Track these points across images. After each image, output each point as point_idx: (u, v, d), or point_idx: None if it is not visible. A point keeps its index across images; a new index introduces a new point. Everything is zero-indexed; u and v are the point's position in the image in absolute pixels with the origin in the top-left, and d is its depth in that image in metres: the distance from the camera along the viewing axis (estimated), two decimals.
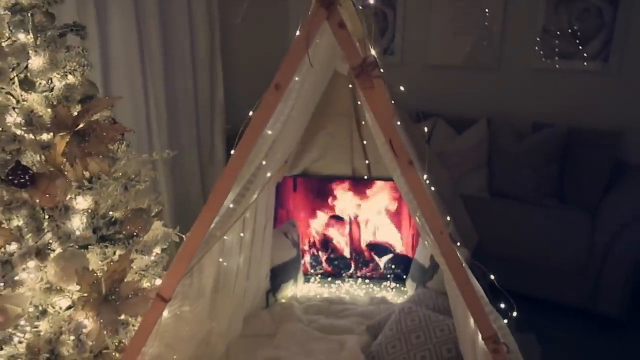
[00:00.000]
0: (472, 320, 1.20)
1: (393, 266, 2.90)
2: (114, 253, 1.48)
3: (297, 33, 1.03)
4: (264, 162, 1.56)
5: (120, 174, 1.56)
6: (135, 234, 1.47)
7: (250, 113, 1.11)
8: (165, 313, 1.42)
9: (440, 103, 3.81)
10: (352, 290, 2.83)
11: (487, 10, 3.60)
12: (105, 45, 2.76)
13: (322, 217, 3.10)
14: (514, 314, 1.34)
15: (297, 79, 1.31)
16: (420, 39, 3.89)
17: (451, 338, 1.95)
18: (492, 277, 1.37)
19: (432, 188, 1.84)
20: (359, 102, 2.34)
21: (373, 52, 1.01)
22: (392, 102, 2.25)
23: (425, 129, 3.50)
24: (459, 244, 2.53)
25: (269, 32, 3.97)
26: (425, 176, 1.25)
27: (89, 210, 1.41)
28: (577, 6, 3.30)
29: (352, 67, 1.02)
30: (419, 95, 3.91)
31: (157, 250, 1.62)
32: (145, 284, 1.56)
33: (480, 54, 3.68)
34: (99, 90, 2.66)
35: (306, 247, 3.06)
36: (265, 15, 3.98)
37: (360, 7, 1.89)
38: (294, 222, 2.90)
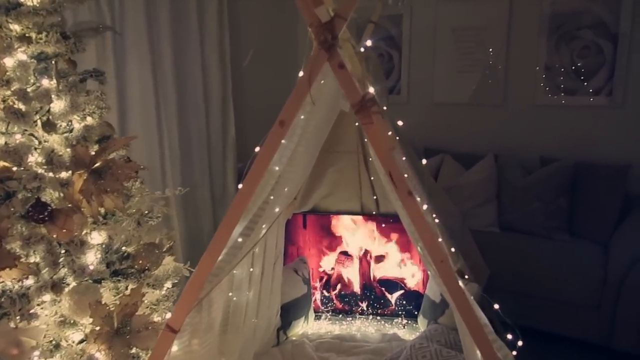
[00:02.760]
0: (478, 351, 1.21)
1: (404, 302, 2.89)
2: (127, 287, 1.52)
3: (301, 74, 1.11)
4: (271, 197, 1.61)
5: (134, 210, 1.62)
6: (147, 268, 1.52)
7: (257, 149, 1.17)
8: (175, 347, 1.44)
9: (447, 140, 3.86)
10: (363, 327, 2.81)
11: (490, 50, 3.70)
12: (122, 89, 2.90)
13: (332, 253, 3.11)
14: (519, 343, 1.34)
15: (302, 117, 1.37)
16: (425, 78, 4.00)
17: None
18: (496, 306, 1.38)
19: (437, 220, 1.87)
20: (365, 139, 2.41)
21: (372, 89, 1.08)
22: (397, 137, 2.31)
23: (424, 161, 3.55)
24: (466, 276, 2.53)
25: (279, 73, 4.12)
26: (425, 207, 1.28)
27: (103, 245, 1.46)
28: (577, 44, 3.39)
29: (352, 104, 1.09)
30: (426, 133, 3.98)
31: (168, 284, 1.65)
32: (156, 317, 1.59)
33: (484, 91, 3.76)
34: (116, 130, 2.80)
35: (317, 284, 3.06)
36: (276, 57, 4.13)
37: (362, 49, 1.98)
38: (305, 258, 2.92)
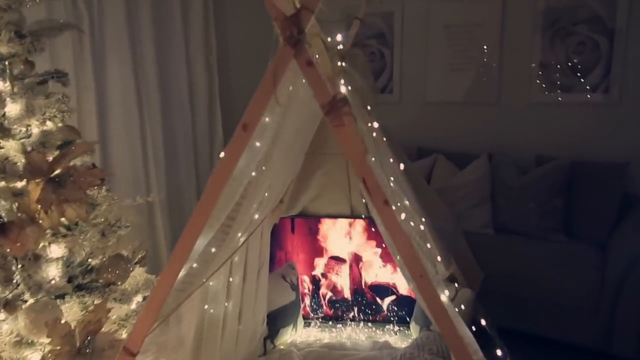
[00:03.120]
0: None
1: (396, 308, 2.79)
2: (93, 302, 1.43)
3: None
4: (243, 204, 1.51)
5: (102, 219, 1.52)
6: (112, 282, 1.42)
7: (222, 154, 1.08)
8: None
9: (440, 139, 3.78)
10: (354, 334, 2.73)
11: (485, 47, 3.61)
12: (102, 90, 2.80)
13: (321, 258, 3.02)
14: None
15: (267, 119, 1.28)
16: (418, 76, 3.91)
17: None
18: (482, 322, 1.29)
19: (424, 224, 1.78)
20: None
21: (343, 88, 0.99)
22: (384, 138, 2.22)
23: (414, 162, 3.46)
24: (457, 285, 2.44)
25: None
26: (404, 216, 1.18)
27: (64, 259, 1.37)
28: (573, 40, 3.30)
29: (322, 105, 0.99)
30: (418, 133, 3.89)
31: (139, 298, 1.56)
32: (125, 334, 1.49)
33: (478, 89, 3.67)
34: (96, 133, 2.70)
35: (306, 290, 2.97)
36: (264, 55, 4.03)
37: (342, 47, 1.89)
38: (293, 264, 2.83)
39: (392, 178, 1.84)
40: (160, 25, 3.04)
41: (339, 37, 1.07)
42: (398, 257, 1.11)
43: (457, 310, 2.11)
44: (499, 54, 3.57)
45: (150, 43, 3.00)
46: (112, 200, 1.56)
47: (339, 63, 2.24)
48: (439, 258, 2.50)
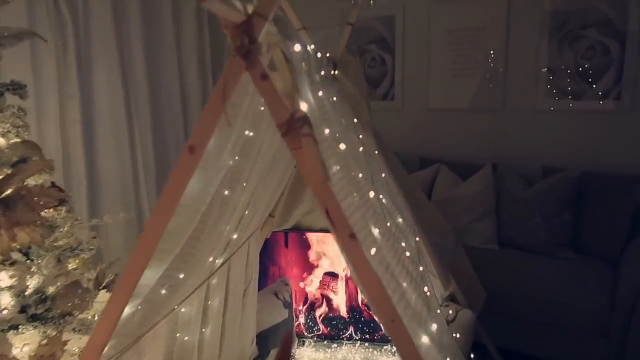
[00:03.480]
0: None
1: None
2: (47, 334, 1.31)
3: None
4: (225, 226, 1.40)
5: (62, 242, 1.41)
6: (69, 312, 1.30)
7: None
8: None
9: (443, 148, 3.63)
10: (350, 355, 2.60)
11: (492, 51, 3.46)
12: (87, 99, 2.69)
13: (316, 273, 2.89)
14: None
15: (249, 133, 1.16)
16: (420, 82, 3.77)
17: None
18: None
19: (414, 245, 1.64)
20: None
21: (304, 105, 0.86)
22: (376, 151, 2.09)
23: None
24: (456, 305, 2.29)
25: None
26: (374, 251, 1.04)
27: (13, 287, 1.25)
28: (582, 44, 3.14)
29: (278, 124, 0.86)
30: (420, 141, 3.76)
31: None
32: None
33: (482, 96, 3.52)
34: (82, 146, 2.60)
35: (300, 307, 2.84)
36: None
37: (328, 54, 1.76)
38: (287, 279, 2.70)
39: (380, 196, 1.71)
40: (150, 27, 2.92)
41: (297, 47, 0.95)
42: (367, 299, 0.97)
43: (454, 335, 1.97)
44: (504, 59, 3.42)
45: (139, 45, 2.87)
46: (75, 221, 1.44)
47: (332, 71, 2.12)
48: (436, 277, 2.36)
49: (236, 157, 1.26)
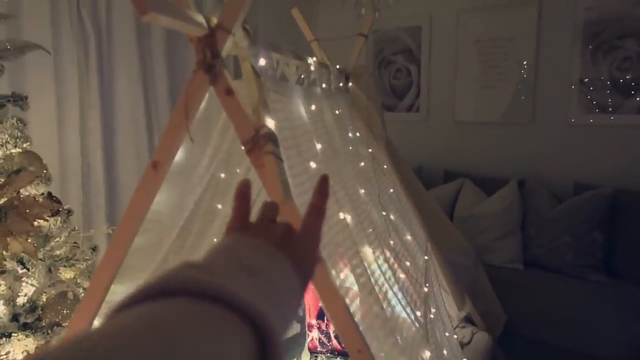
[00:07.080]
0: None
1: None
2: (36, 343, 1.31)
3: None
4: (214, 240, 1.37)
5: (57, 252, 1.42)
6: (57, 322, 1.30)
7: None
8: None
9: (468, 162, 3.51)
10: None
11: (524, 62, 3.34)
12: (108, 108, 2.74)
13: None
14: None
15: (231, 146, 1.13)
16: (446, 94, 3.67)
17: None
18: None
19: (422, 264, 1.57)
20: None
21: (270, 122, 0.82)
22: (385, 166, 2.02)
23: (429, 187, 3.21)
24: (473, 332, 2.19)
25: None
26: (342, 275, 0.98)
27: (6, 296, 1.26)
28: (617, 54, 2.98)
29: (243, 141, 0.83)
30: (446, 154, 3.65)
31: None
32: None
33: (511, 109, 3.39)
34: (101, 154, 2.65)
35: (313, 322, 2.78)
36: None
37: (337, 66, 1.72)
38: None
39: (384, 213, 1.65)
40: (173, 41, 2.97)
41: (262, 62, 0.91)
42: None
43: None
44: (534, 70, 3.28)
45: (161, 56, 2.92)
46: (72, 231, 1.45)
47: (345, 83, 2.07)
48: (450, 297, 2.27)
49: (221, 172, 1.23)
